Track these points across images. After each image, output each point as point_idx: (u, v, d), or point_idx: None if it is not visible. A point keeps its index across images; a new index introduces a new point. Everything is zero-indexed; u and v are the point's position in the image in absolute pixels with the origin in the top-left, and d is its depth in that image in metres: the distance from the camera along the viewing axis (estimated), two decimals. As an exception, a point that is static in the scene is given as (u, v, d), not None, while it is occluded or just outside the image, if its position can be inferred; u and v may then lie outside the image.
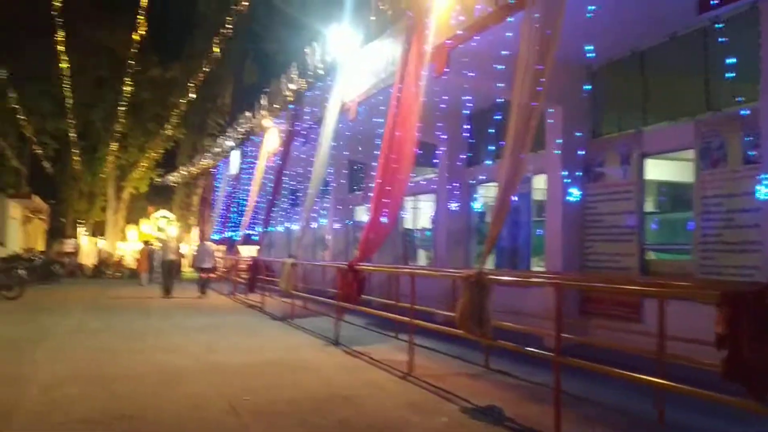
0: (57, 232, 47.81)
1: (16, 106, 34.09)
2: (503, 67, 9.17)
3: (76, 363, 8.41)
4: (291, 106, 19.12)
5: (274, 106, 19.87)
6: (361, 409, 6.34)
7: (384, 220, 10.41)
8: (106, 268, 33.74)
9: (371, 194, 11.75)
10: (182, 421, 5.75)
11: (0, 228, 27.98)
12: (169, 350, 9.60)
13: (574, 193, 10.96)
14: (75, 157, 43.22)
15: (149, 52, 42.32)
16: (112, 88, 39.52)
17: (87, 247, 42.68)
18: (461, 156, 14.50)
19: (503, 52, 8.99)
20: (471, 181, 14.40)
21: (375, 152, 15.01)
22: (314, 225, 23.03)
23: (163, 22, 37.85)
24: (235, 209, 28.06)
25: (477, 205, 14.70)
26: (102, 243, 45.11)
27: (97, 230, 49.08)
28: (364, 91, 13.85)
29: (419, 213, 18.33)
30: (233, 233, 30.32)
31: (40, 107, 37.71)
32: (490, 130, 13.01)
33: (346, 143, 17.20)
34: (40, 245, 37.83)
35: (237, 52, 38.83)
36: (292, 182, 25.11)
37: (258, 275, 18.03)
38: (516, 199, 7.36)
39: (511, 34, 8.54)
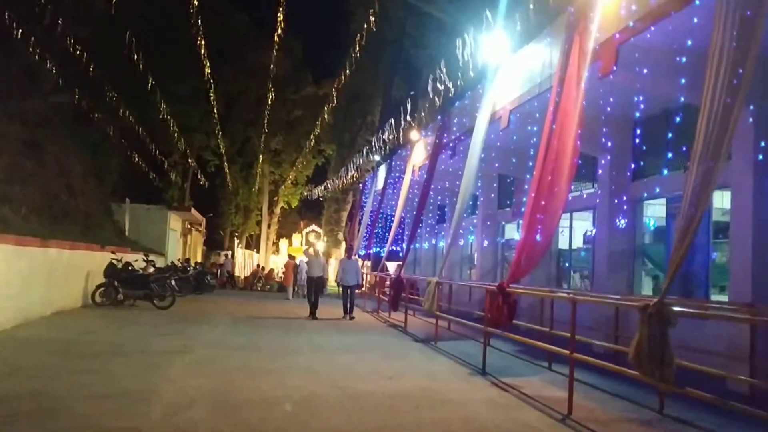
0: (214, 244, 50.30)
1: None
2: (684, 59, 7.84)
3: (209, 382, 7.98)
4: (439, 116, 18.41)
5: (422, 114, 19.12)
6: (514, 461, 5.32)
7: (538, 238, 9.32)
8: (257, 281, 34.58)
9: (524, 210, 10.68)
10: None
11: (160, 238, 29.32)
12: (306, 373, 9.00)
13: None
14: (233, 173, 45.12)
15: (304, 71, 43.64)
16: (270, 107, 40.96)
17: (241, 259, 44.29)
18: (627, 167, 13.02)
19: (687, 42, 7.66)
20: (640, 196, 12.85)
21: (529, 164, 13.96)
22: (461, 242, 22.09)
23: (318, 39, 38.83)
24: (381, 225, 27.77)
25: (650, 223, 13.14)
26: (256, 256, 46.78)
27: (252, 243, 51.09)
28: (518, 97, 12.83)
29: (573, 232, 16.90)
30: (379, 249, 30.08)
31: (205, 125, 39.62)
32: (665, 137, 11.52)
33: (496, 155, 16.21)
34: (198, 256, 39.65)
35: (386, 67, 38.84)
36: (438, 197, 24.39)
37: (401, 293, 17.35)
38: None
39: (697, 20, 7.24)
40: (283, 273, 29.33)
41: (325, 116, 32.99)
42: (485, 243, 20.92)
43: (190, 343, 11.25)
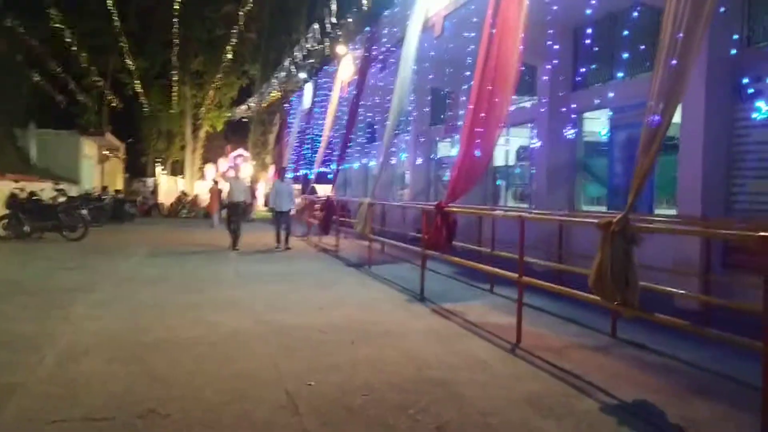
0: (137, 171, 48.14)
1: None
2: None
3: (115, 323, 7.02)
4: (367, 27, 17.20)
5: (349, 26, 17.84)
6: (463, 405, 4.63)
7: (478, 153, 8.53)
8: (181, 208, 33.03)
9: (461, 124, 9.84)
10: (221, 424, 4.18)
11: (73, 166, 27.40)
12: (227, 306, 8.14)
13: (719, 118, 8.74)
14: (153, 96, 43.00)
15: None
16: (189, 26, 38.85)
17: (166, 185, 42.47)
18: (570, 77, 12.29)
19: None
20: (582, 107, 12.19)
21: (465, 74, 13.04)
22: (393, 161, 21.25)
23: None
24: (309, 146, 26.61)
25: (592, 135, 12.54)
26: (181, 182, 45.00)
27: (177, 170, 49.15)
28: (452, 1, 11.79)
29: (508, 147, 16.27)
30: (307, 171, 29.04)
31: (121, 46, 37.16)
32: (611, 44, 10.78)
33: (430, 66, 15.23)
34: (119, 184, 37.64)
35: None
36: (368, 114, 23.32)
37: (333, 216, 16.49)
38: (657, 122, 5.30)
39: None
40: (209, 199, 27.79)
41: (247, 34, 31.14)
42: (418, 161, 20.16)
43: (98, 279, 10.18)
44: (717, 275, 8.07)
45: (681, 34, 5.16)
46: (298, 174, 27.22)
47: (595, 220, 5.34)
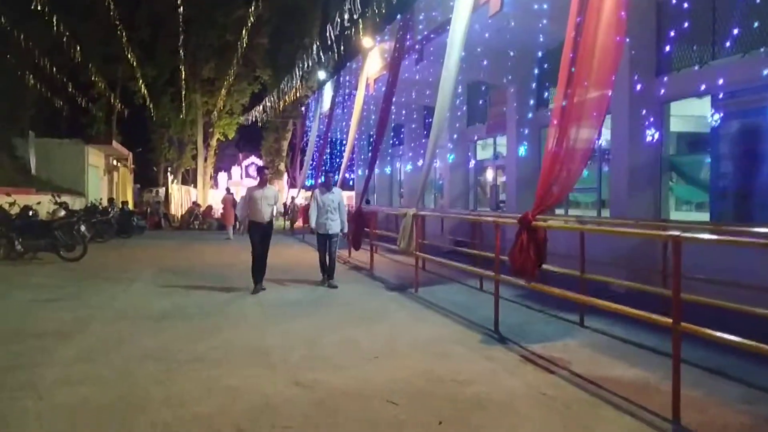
0: (148, 181, 46.65)
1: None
2: None
3: (99, 393, 5.02)
4: (399, 15, 15.22)
5: (375, 16, 15.78)
6: None
7: (582, 143, 6.50)
8: (194, 219, 31.09)
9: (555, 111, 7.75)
10: None
11: (78, 177, 25.56)
12: (251, 358, 6.11)
13: None
14: (163, 104, 41.67)
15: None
16: (200, 32, 37.53)
17: (177, 195, 40.77)
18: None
19: None
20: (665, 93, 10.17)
21: (523, 64, 11.06)
22: (436, 164, 19.18)
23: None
24: (329, 150, 24.74)
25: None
26: (193, 191, 43.37)
27: (189, 179, 47.72)
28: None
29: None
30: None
31: (129, 54, 35.64)
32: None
33: (482, 51, 13.23)
34: (128, 195, 35.89)
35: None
36: (392, 115, 21.29)
37: (364, 228, 14.48)
38: None
39: None
40: (222, 210, 25.72)
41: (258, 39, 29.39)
42: (454, 165, 18.17)
43: (87, 315, 8.18)
44: None
45: None
46: (318, 181, 25.30)
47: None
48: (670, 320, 4.55)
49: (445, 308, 8.89)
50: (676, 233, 4.58)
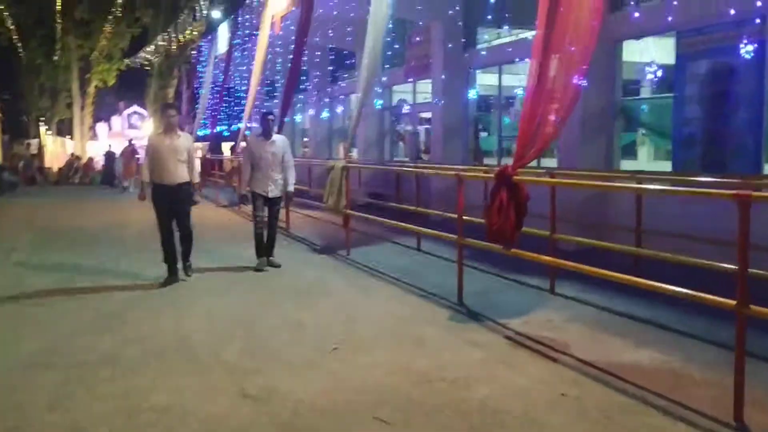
0: (18, 132, 42.77)
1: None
2: None
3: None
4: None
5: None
6: None
7: (576, 79, 5.43)
8: (73, 173, 28.28)
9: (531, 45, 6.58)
10: None
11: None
12: (176, 356, 4.75)
13: None
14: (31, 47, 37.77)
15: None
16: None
17: (52, 147, 37.37)
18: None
19: None
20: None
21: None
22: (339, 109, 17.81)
23: None
24: (228, 98, 22.84)
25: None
26: (70, 143, 39.98)
27: (65, 130, 44.00)
28: None
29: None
30: (225, 127, 25.37)
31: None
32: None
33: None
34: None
35: None
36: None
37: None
38: None
39: None
40: (124, 165, 23.06)
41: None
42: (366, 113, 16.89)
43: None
44: None
45: None
46: (213, 131, 23.40)
47: None
48: (733, 302, 3.61)
49: (389, 274, 7.77)
50: (746, 192, 3.59)
